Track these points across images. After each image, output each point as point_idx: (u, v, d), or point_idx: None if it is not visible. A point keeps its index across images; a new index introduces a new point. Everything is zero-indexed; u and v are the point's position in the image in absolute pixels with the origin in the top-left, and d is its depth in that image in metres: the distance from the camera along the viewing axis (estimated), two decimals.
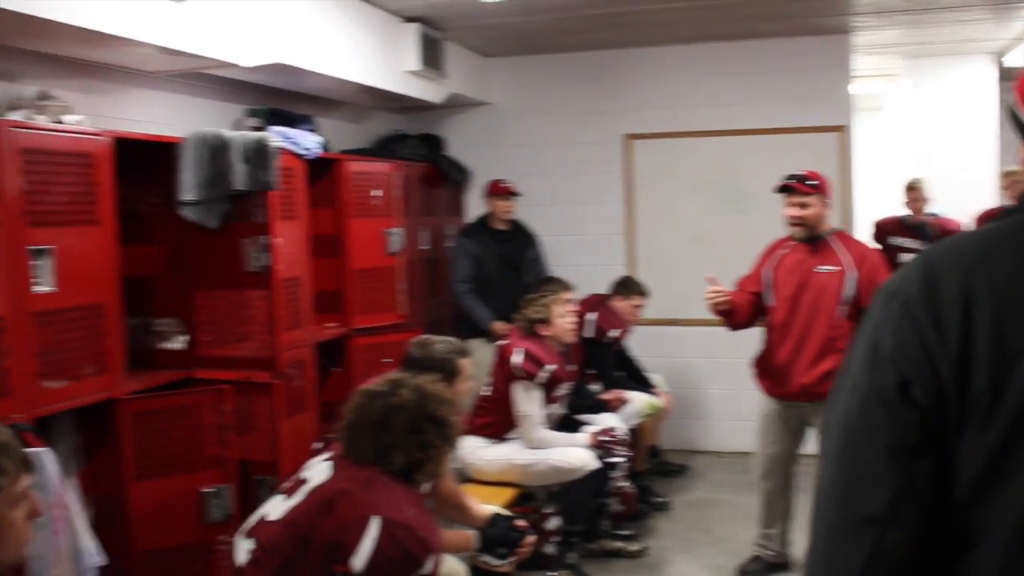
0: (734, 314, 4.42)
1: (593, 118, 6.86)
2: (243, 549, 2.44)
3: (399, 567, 2.26)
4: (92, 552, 2.76)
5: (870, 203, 7.46)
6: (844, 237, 4.44)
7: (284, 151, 4.41)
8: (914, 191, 6.14)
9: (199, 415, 3.64)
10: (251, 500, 3.80)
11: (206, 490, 3.62)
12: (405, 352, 3.42)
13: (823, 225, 4.37)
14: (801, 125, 6.42)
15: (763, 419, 4.48)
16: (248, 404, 3.92)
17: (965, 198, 6.79)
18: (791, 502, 4.55)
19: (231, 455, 3.71)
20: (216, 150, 3.83)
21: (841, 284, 4.25)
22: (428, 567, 2.30)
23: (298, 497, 2.41)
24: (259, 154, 3.82)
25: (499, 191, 6.24)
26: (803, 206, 4.30)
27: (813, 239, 4.34)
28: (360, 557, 2.22)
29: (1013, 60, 7.22)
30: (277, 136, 4.44)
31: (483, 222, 6.39)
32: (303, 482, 2.47)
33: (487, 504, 3.64)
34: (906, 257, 6.09)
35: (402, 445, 2.39)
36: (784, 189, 4.34)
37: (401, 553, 2.25)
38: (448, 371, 3.29)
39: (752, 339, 4.64)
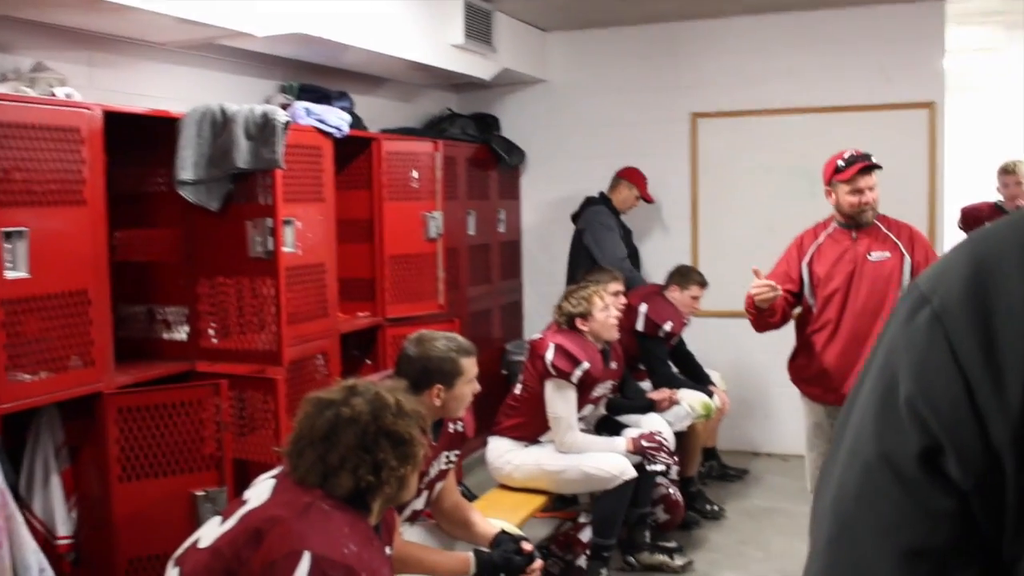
0: (773, 313, 3.93)
1: (657, 96, 6.43)
2: None
3: None
4: (39, 567, 2.49)
5: (958, 191, 6.86)
6: (886, 219, 3.96)
7: (309, 129, 4.15)
8: (1011, 175, 5.54)
9: (194, 412, 3.36)
10: None
11: (199, 493, 3.35)
12: (400, 351, 3.08)
13: None
14: (885, 102, 5.89)
15: (812, 428, 4.04)
16: (251, 401, 3.65)
17: None
18: None
19: (228, 456, 3.43)
20: (218, 125, 3.55)
21: (900, 271, 3.85)
22: None
23: (231, 522, 2.09)
24: (264, 130, 3.52)
25: (645, 194, 6.07)
26: (872, 188, 3.85)
27: (861, 224, 3.91)
28: None
29: None
30: (298, 112, 4.17)
31: (609, 203, 6.02)
32: (243, 503, 2.15)
33: (499, 519, 3.29)
34: None
35: (351, 465, 2.05)
36: (867, 169, 3.84)
37: None
38: (447, 373, 2.95)
39: None
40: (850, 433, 0.77)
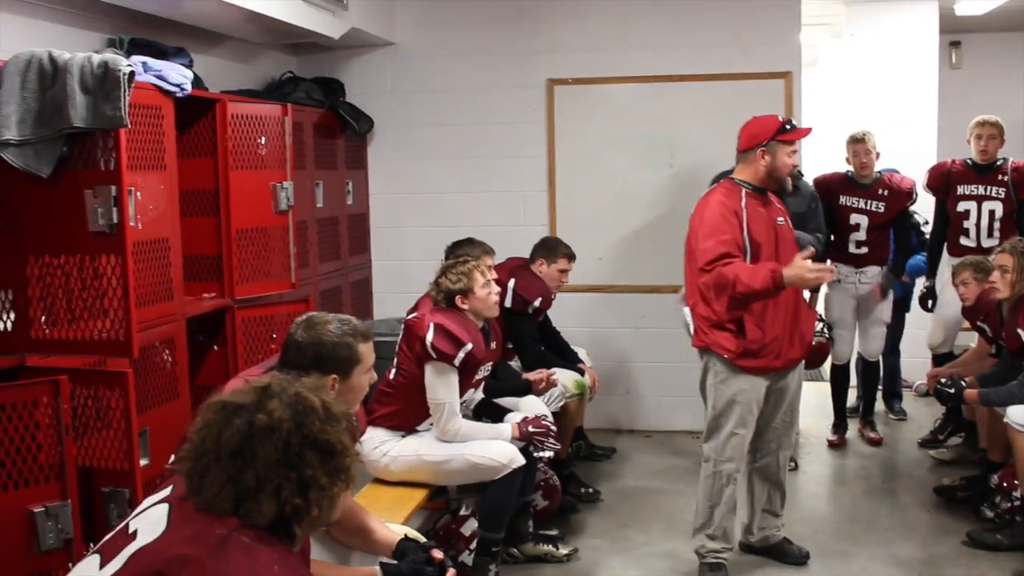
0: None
1: (511, 62, 6.13)
2: None
3: None
4: None
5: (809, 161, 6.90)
6: None
7: (148, 86, 3.65)
8: (860, 143, 5.56)
9: (27, 415, 2.86)
10: (98, 519, 3.06)
11: (37, 509, 2.86)
12: (286, 336, 2.68)
13: None
14: (743, 71, 5.82)
15: (745, 405, 3.88)
16: (95, 398, 3.15)
17: (903, 154, 6.32)
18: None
19: (71, 464, 2.94)
20: (48, 76, 3.02)
21: (794, 236, 4.04)
22: None
23: (117, 563, 1.65)
24: (104, 82, 3.02)
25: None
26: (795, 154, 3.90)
27: (783, 188, 3.95)
28: None
29: (966, 8, 6.71)
30: (136, 65, 3.64)
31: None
32: (129, 537, 1.70)
33: (396, 524, 2.95)
34: (860, 218, 5.54)
35: (272, 486, 1.65)
36: (793, 132, 3.87)
37: None
38: (342, 360, 2.58)
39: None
40: None
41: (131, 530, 1.72)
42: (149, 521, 1.71)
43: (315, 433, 1.70)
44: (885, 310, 5.68)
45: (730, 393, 3.88)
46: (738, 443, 3.92)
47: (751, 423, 3.93)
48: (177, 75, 3.86)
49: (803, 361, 4.11)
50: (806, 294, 3.87)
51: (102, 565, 1.68)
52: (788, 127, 3.86)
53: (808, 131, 3.97)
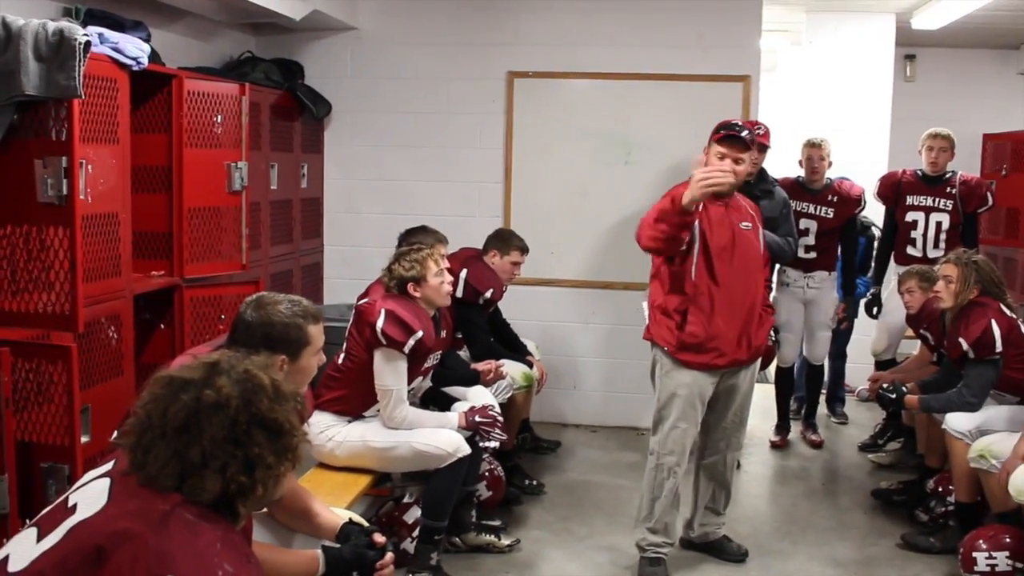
0: (680, 240, 3.68)
1: (473, 52, 6.12)
2: None
3: None
4: None
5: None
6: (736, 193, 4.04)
7: (103, 58, 3.59)
8: (816, 148, 5.63)
9: None
10: (36, 495, 3.01)
11: None
12: (236, 315, 2.66)
13: None
14: (703, 73, 5.87)
15: (686, 399, 3.92)
16: (36, 372, 3.10)
17: (855, 162, 6.43)
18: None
19: (10, 439, 2.89)
20: (0, 42, 2.96)
21: (759, 241, 4.03)
22: None
23: (55, 537, 1.63)
24: (59, 51, 2.97)
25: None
26: (738, 161, 3.83)
27: (724, 194, 3.91)
28: None
29: (922, 23, 6.82)
30: (92, 35, 3.59)
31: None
32: (68, 511, 1.69)
33: (339, 508, 2.94)
34: (809, 223, 5.61)
35: (218, 463, 1.63)
36: (735, 139, 3.82)
37: None
38: (292, 341, 2.56)
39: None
40: None
41: (70, 504, 1.70)
42: (89, 495, 1.69)
43: (263, 411, 1.69)
44: (830, 314, 5.77)
45: (672, 386, 3.93)
46: (679, 436, 3.95)
47: (693, 418, 3.96)
48: (134, 48, 3.80)
49: (756, 363, 4.16)
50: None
51: (39, 539, 1.66)
52: (719, 131, 3.87)
53: (723, 134, 3.85)
